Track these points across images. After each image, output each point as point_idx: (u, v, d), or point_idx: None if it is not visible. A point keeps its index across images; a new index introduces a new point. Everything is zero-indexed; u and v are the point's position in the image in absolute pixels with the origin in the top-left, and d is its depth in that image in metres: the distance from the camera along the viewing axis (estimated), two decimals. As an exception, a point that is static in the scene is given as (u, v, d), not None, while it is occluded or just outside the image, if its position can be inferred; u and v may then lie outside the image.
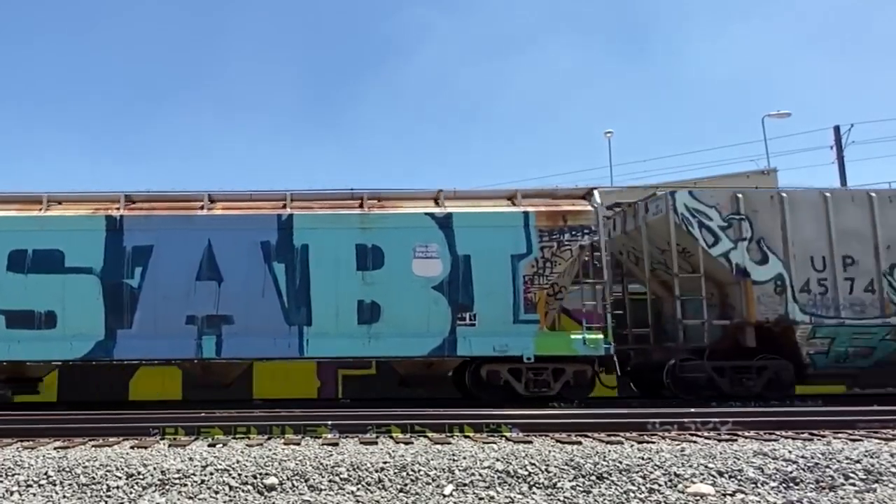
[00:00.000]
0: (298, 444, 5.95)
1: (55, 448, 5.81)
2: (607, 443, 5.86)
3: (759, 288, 10.27)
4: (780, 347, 10.43)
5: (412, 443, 5.94)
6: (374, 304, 9.89)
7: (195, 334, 9.78)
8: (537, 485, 4.54)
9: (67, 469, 4.72)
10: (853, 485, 4.58)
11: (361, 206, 10.34)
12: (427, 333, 9.85)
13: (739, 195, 10.54)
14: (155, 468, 4.70)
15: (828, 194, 10.61)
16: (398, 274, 9.94)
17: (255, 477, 4.59)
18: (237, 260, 9.94)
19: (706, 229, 10.43)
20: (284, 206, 10.30)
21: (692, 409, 7.51)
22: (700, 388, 10.24)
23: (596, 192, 10.61)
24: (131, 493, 4.43)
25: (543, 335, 9.94)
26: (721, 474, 4.67)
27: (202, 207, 10.26)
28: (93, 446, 5.95)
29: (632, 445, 5.64)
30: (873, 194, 10.62)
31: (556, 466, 4.75)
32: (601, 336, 9.94)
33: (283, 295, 9.92)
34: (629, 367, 11.28)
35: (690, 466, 4.77)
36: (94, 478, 4.58)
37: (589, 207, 10.36)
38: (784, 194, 10.61)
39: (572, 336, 10.01)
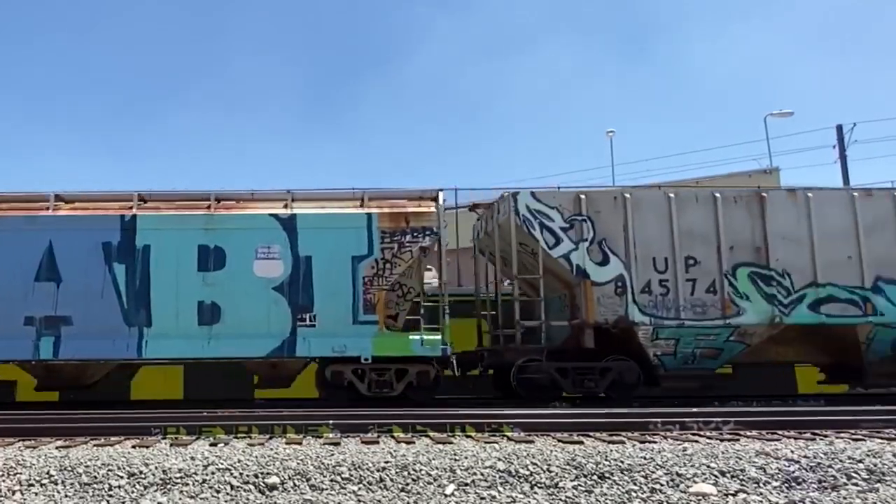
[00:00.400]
0: (300, 443, 5.95)
1: (57, 447, 5.81)
2: (609, 442, 5.85)
3: (599, 289, 10.25)
4: (630, 349, 10.44)
5: (414, 442, 5.93)
6: (214, 305, 9.99)
7: (33, 335, 9.85)
8: (539, 484, 4.53)
9: (69, 468, 4.72)
10: (856, 485, 4.57)
11: (209, 207, 10.43)
12: (267, 334, 9.95)
13: (582, 196, 10.49)
14: (156, 467, 4.70)
15: (672, 195, 10.55)
16: (239, 275, 10.05)
17: (256, 476, 4.59)
18: (78, 261, 10.02)
19: (548, 230, 10.40)
20: (131, 207, 10.39)
21: (694, 409, 7.50)
22: (544, 388, 10.29)
23: (441, 194, 10.68)
24: (133, 492, 4.43)
25: (382, 336, 10.03)
26: (723, 474, 4.66)
27: (48, 208, 10.35)
28: (94, 445, 5.95)
29: (634, 445, 5.63)
30: (718, 195, 10.55)
31: (557, 466, 4.75)
32: (439, 337, 10.04)
33: (122, 296, 10.00)
34: (481, 366, 11.28)
35: (692, 466, 4.76)
36: (95, 477, 4.59)
37: (432, 209, 10.45)
38: (627, 195, 10.53)
39: (410, 337, 10.10)
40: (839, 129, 22.59)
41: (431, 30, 77.88)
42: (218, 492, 4.42)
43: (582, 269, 10.27)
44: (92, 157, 68.73)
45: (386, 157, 71.53)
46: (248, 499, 4.33)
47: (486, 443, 5.85)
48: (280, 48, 76.49)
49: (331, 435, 6.46)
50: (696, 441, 5.94)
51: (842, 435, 6.25)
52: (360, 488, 4.49)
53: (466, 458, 4.94)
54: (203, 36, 77.62)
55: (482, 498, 4.30)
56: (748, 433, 6.40)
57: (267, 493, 4.43)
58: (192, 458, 4.92)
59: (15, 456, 5.17)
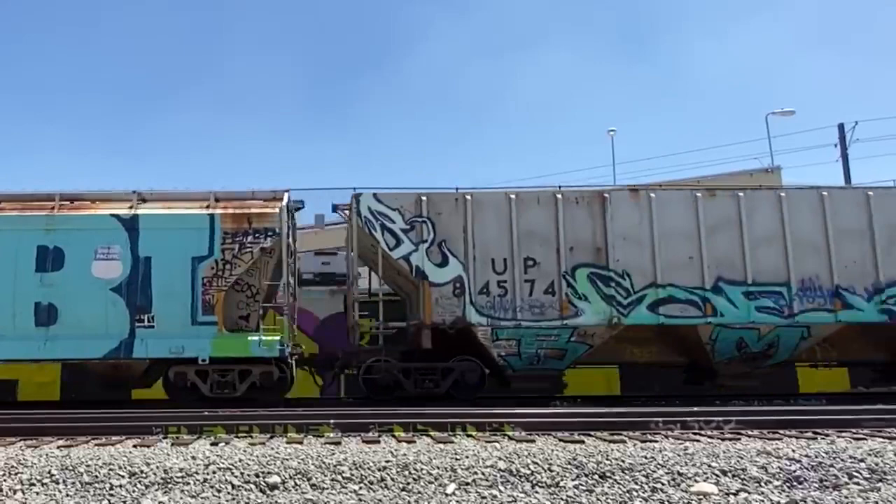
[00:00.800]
0: (301, 442, 5.95)
1: (58, 447, 5.81)
2: (610, 442, 5.84)
3: (437, 290, 10.28)
4: (480, 350, 10.48)
5: (415, 442, 5.93)
6: (51, 306, 9.98)
7: None
8: (540, 484, 4.53)
9: (70, 468, 4.72)
10: (857, 484, 4.56)
11: (53, 207, 10.38)
12: (105, 335, 9.94)
13: (423, 197, 10.53)
14: (158, 467, 4.71)
15: (513, 196, 10.56)
16: (77, 276, 10.03)
17: (257, 476, 4.59)
18: None
19: (388, 232, 10.47)
20: None
21: (696, 408, 7.49)
22: (388, 388, 10.35)
23: (287, 195, 10.71)
24: (134, 491, 4.43)
25: (221, 337, 10.04)
26: (724, 473, 4.65)
27: None
28: (96, 445, 5.95)
29: (635, 444, 5.63)
30: (559, 196, 10.53)
31: (558, 465, 4.74)
32: (277, 337, 10.07)
33: None
34: (336, 367, 11.34)
35: (694, 465, 4.75)
36: (97, 476, 4.59)
37: (275, 210, 10.46)
38: (468, 196, 10.53)
39: (249, 338, 10.11)
40: (841, 127, 22.58)
41: (433, 28, 77.90)
42: (219, 491, 4.42)
43: (421, 271, 10.33)
44: (92, 156, 68.80)
45: (387, 156, 71.55)
46: (249, 498, 4.33)
47: (487, 442, 5.85)
48: (281, 47, 76.54)
49: (332, 434, 6.46)
50: (698, 440, 5.93)
51: (843, 434, 6.24)
52: (361, 487, 4.49)
53: (467, 457, 4.93)
54: (204, 34, 77.68)
55: (483, 497, 4.29)
56: (749, 432, 6.39)
57: (268, 492, 4.43)
58: (193, 458, 4.92)
59: (16, 455, 5.17)
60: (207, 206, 10.48)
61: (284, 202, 10.58)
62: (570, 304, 10.21)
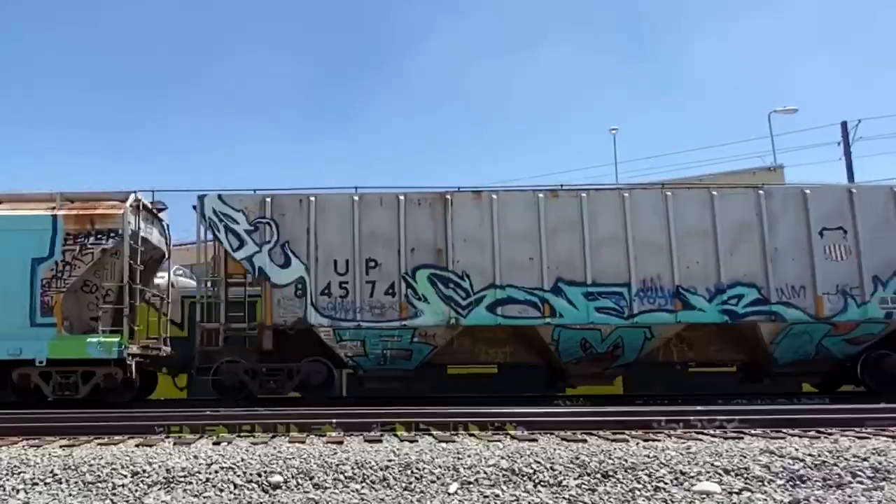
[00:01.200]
0: (303, 442, 5.95)
1: (61, 446, 5.83)
2: (613, 441, 5.83)
3: (279, 291, 10.30)
4: (329, 350, 10.49)
5: (417, 441, 5.92)
6: None
7: None
8: (542, 483, 4.52)
9: (73, 467, 4.73)
10: (861, 483, 4.54)
11: None
12: None
13: (268, 199, 10.54)
14: (160, 466, 4.71)
15: (356, 198, 10.54)
16: None
17: (259, 475, 4.59)
18: None
19: (232, 233, 10.45)
20: None
21: (699, 407, 7.47)
22: (236, 389, 10.35)
23: (133, 196, 10.63)
24: (136, 491, 4.43)
25: (60, 339, 9.97)
26: (727, 472, 4.64)
27: None
28: (98, 444, 5.96)
29: (637, 443, 5.62)
30: (402, 197, 10.51)
31: (561, 464, 4.73)
32: (116, 339, 10.02)
33: None
34: (191, 369, 11.25)
35: (696, 464, 4.74)
36: (99, 476, 4.59)
37: (119, 211, 10.39)
38: (312, 198, 10.53)
39: (88, 340, 10.05)
40: (844, 125, 22.50)
41: (433, 28, 77.86)
42: (221, 490, 4.42)
43: (263, 272, 10.35)
44: (92, 156, 68.88)
45: (390, 154, 71.55)
46: (251, 497, 4.33)
47: (489, 441, 5.85)
48: (282, 47, 76.56)
49: (334, 433, 6.46)
50: (700, 439, 5.92)
51: (847, 433, 6.22)
52: (363, 487, 4.48)
53: (470, 456, 4.93)
54: (205, 35, 77.73)
55: (485, 496, 4.28)
56: (752, 431, 6.38)
57: (270, 491, 4.43)
58: (196, 457, 4.93)
59: (19, 455, 5.18)
60: (53, 208, 10.45)
61: (129, 203, 10.50)
62: (409, 305, 10.26)
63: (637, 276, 10.39)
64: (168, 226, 12.09)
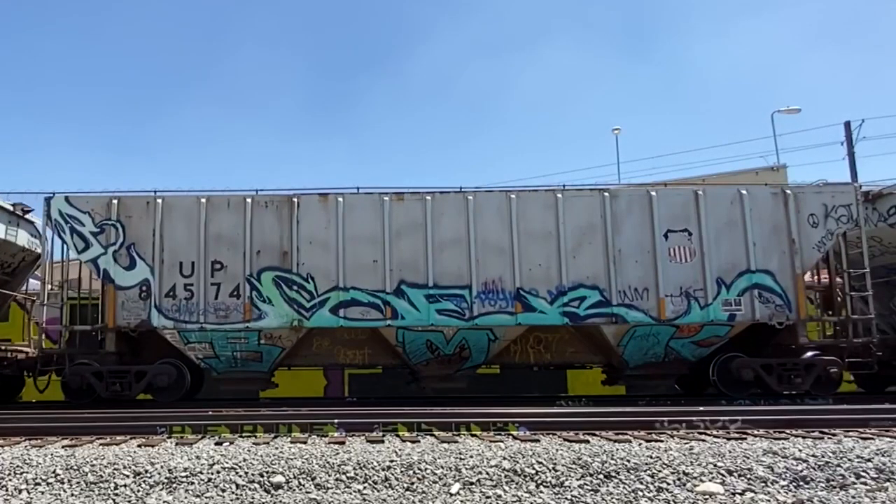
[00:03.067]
0: (305, 442, 5.95)
1: (63, 446, 5.83)
2: (615, 441, 5.82)
3: (123, 293, 10.29)
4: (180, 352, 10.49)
5: (419, 441, 5.92)
6: None
7: None
8: (544, 483, 4.51)
9: (75, 467, 4.73)
10: (864, 483, 4.53)
11: None
12: None
13: (114, 200, 10.51)
14: (162, 466, 4.71)
15: (203, 200, 10.51)
16: None
17: (261, 475, 4.59)
18: None
19: (78, 235, 10.44)
20: None
21: (701, 408, 7.46)
22: (83, 392, 10.33)
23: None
24: (139, 491, 4.43)
25: None
26: (730, 473, 4.63)
27: None
28: (100, 445, 5.96)
29: (640, 444, 5.61)
30: (249, 200, 10.49)
31: (563, 465, 4.72)
32: None
33: None
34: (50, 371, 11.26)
35: (699, 465, 4.73)
36: (101, 476, 4.59)
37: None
38: (159, 200, 10.51)
39: None
40: (847, 125, 22.49)
41: (434, 27, 77.86)
42: (223, 491, 4.42)
43: (108, 274, 10.35)
44: (96, 153, 68.98)
45: (391, 154, 71.56)
46: (253, 498, 4.33)
47: (491, 442, 5.84)
48: (284, 45, 76.64)
49: (336, 434, 6.46)
50: (703, 440, 5.91)
51: (850, 434, 6.21)
52: (365, 487, 4.48)
53: (472, 457, 4.92)
54: (208, 33, 77.81)
55: (487, 497, 4.28)
56: (755, 432, 6.36)
57: (272, 491, 4.43)
58: (198, 457, 4.93)
59: (21, 455, 5.18)
60: None
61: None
62: (253, 307, 10.27)
63: (478, 279, 10.36)
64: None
